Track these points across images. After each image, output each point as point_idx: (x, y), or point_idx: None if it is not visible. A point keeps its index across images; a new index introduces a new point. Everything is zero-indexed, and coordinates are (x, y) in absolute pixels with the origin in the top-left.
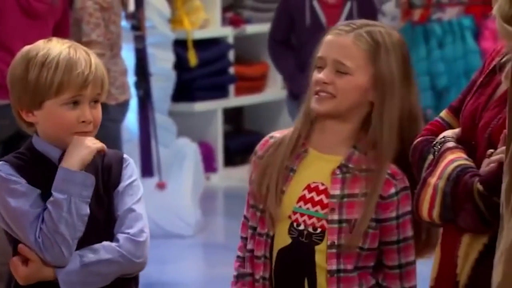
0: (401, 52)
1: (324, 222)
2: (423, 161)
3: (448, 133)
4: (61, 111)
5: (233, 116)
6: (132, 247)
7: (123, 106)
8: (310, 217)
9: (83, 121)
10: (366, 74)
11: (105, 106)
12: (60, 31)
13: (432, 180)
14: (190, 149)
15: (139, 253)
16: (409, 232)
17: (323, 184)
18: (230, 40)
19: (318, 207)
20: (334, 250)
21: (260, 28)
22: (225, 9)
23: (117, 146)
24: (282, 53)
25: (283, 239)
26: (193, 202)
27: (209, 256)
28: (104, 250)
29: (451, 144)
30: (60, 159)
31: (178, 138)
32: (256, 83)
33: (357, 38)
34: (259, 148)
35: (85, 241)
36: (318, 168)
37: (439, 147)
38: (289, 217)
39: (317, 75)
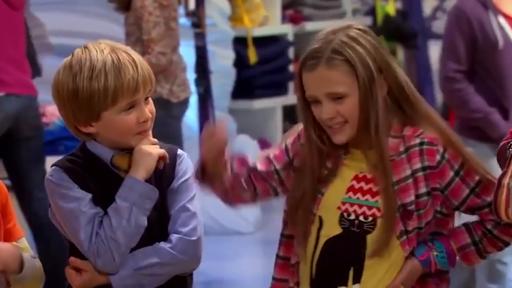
0: (370, 45)
1: (375, 210)
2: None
3: None
4: (120, 118)
5: (292, 113)
6: (185, 247)
7: (184, 103)
8: (360, 206)
9: (143, 121)
10: (357, 86)
11: (167, 103)
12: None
13: (505, 180)
14: (249, 146)
15: (192, 253)
16: (476, 176)
17: (370, 173)
18: (290, 37)
19: (368, 196)
20: (404, 237)
21: (320, 25)
22: (285, 6)
23: (178, 143)
24: (467, 88)
25: (332, 229)
26: None
27: (268, 253)
28: (157, 253)
29: None
30: (111, 160)
31: (237, 135)
32: None
33: (329, 64)
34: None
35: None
36: (360, 162)
37: None
38: (338, 207)
39: (321, 115)
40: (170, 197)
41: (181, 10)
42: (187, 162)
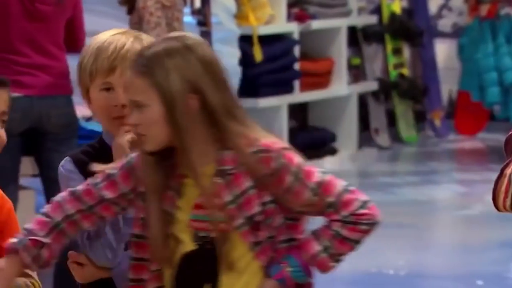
0: (184, 63)
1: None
2: None
3: None
4: (98, 96)
5: (297, 112)
6: None
7: None
8: (211, 222)
9: (115, 105)
10: (159, 101)
11: None
12: (72, 27)
13: (508, 170)
14: None
15: None
16: (314, 178)
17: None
18: (296, 35)
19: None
20: (258, 248)
21: (325, 23)
22: (290, 4)
23: None
24: None
25: (188, 246)
26: None
27: None
28: None
29: None
30: None
31: None
32: (321, 79)
33: (136, 71)
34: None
35: None
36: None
37: None
38: (189, 226)
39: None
40: None
41: (187, 9)
42: None
